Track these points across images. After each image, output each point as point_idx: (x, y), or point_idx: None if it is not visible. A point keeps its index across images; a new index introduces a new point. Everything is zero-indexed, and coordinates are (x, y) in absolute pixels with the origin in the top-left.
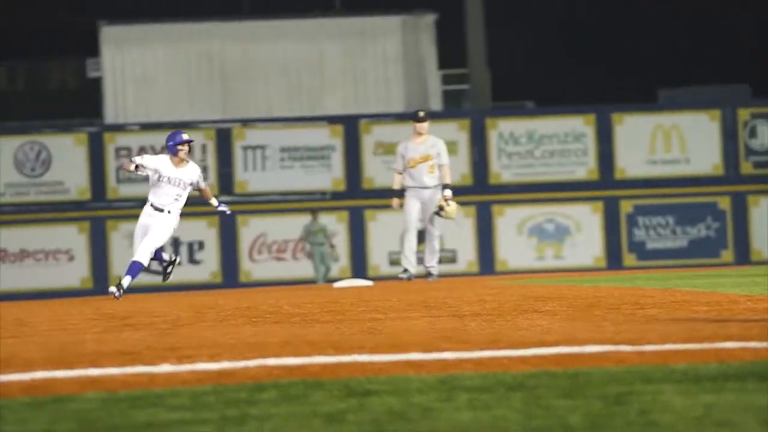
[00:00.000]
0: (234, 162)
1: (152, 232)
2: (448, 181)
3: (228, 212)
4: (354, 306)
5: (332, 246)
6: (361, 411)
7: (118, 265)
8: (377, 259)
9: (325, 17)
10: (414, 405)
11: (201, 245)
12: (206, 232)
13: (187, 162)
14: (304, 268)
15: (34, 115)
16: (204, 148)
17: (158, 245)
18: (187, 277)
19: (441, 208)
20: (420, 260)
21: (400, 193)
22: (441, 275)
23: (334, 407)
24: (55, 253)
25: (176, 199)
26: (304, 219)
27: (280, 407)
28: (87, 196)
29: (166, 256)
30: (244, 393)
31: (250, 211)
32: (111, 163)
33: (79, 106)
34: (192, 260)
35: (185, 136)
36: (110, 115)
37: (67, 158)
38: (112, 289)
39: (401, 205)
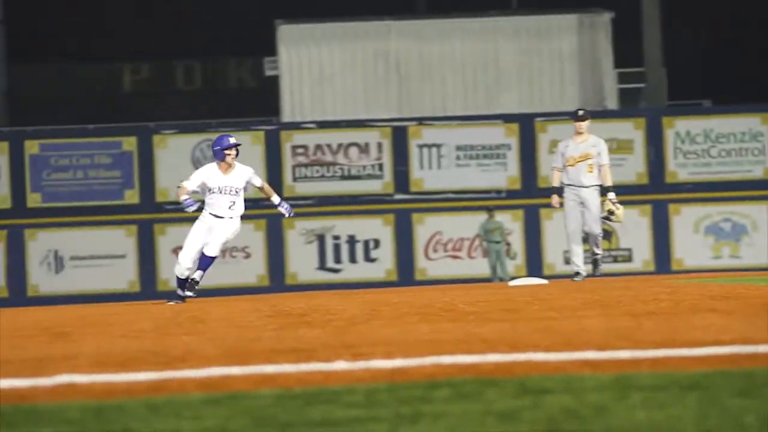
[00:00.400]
0: (410, 160)
1: (217, 232)
2: (609, 182)
3: (288, 215)
4: (529, 304)
5: (508, 244)
6: (535, 409)
7: (294, 264)
8: (552, 257)
9: (501, 16)
10: (588, 404)
11: (377, 243)
12: (382, 230)
13: (235, 166)
14: (479, 266)
15: (212, 113)
16: (380, 146)
17: (219, 244)
18: (363, 275)
19: (611, 212)
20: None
21: (560, 191)
22: (616, 274)
23: (508, 405)
24: (231, 250)
25: (231, 207)
26: (480, 217)
27: (454, 405)
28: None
29: (197, 276)
30: (418, 391)
31: (425, 209)
32: (287, 161)
33: (256, 104)
34: (368, 258)
35: (232, 140)
36: (287, 113)
37: (243, 156)
38: (189, 293)
39: (561, 204)
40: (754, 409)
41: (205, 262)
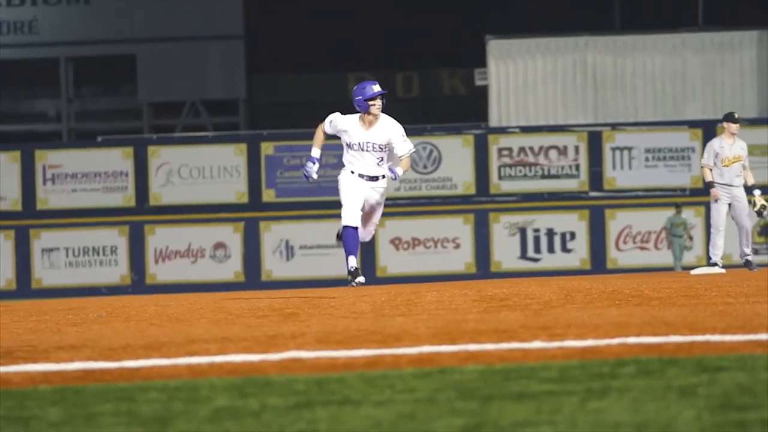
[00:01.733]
0: (603, 161)
1: (375, 212)
2: (753, 181)
3: (393, 177)
4: (708, 291)
5: (690, 238)
6: (711, 385)
7: (498, 253)
8: (729, 249)
9: (688, 32)
10: (760, 381)
11: (572, 235)
12: (577, 224)
13: (380, 118)
14: (664, 257)
15: (426, 119)
16: (577, 149)
17: (375, 227)
18: (560, 264)
19: (764, 206)
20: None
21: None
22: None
23: (687, 381)
24: (443, 240)
25: (379, 164)
26: (666, 213)
27: (639, 381)
28: (472, 191)
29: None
30: (607, 368)
31: (617, 205)
32: (494, 162)
33: (467, 111)
34: (564, 249)
35: (376, 88)
36: (494, 119)
37: (454, 157)
38: (360, 279)
39: (716, 200)
40: None
41: (357, 245)
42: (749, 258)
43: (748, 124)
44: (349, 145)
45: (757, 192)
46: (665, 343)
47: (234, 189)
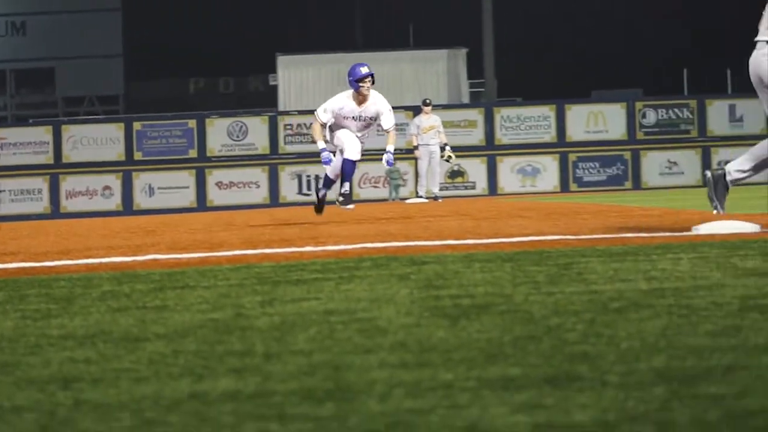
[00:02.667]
0: None
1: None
2: (446, 141)
3: (387, 165)
4: (417, 213)
5: (403, 180)
6: (419, 273)
7: (283, 192)
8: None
9: (403, 50)
10: (449, 270)
11: None
12: None
13: (370, 96)
14: (385, 192)
15: (240, 106)
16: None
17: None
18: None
19: (451, 158)
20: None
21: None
22: (467, 196)
23: (403, 271)
24: (248, 183)
25: (361, 132)
26: None
27: (372, 271)
28: (267, 151)
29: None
30: (353, 263)
31: (365, 160)
32: (281, 133)
33: (265, 101)
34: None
35: (365, 70)
36: (281, 106)
37: (257, 130)
38: (350, 206)
39: (420, 156)
40: (542, 272)
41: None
42: (437, 194)
43: (441, 108)
44: (344, 118)
45: (447, 148)
46: (389, 246)
47: (116, 151)
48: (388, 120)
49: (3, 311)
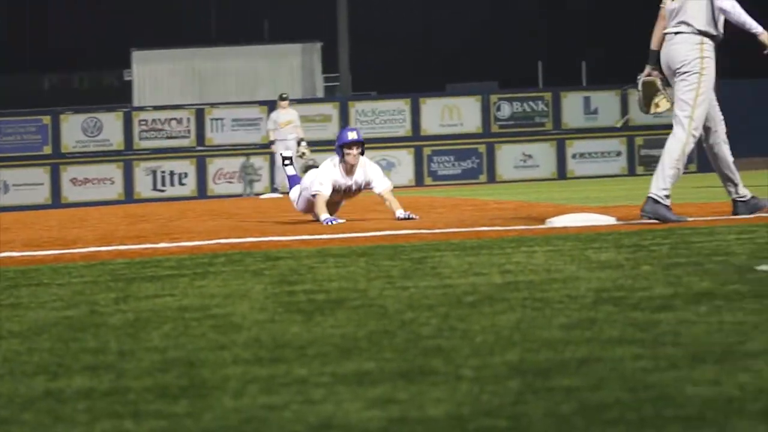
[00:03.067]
0: (205, 127)
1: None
2: (302, 135)
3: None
4: (270, 209)
5: (258, 175)
6: (273, 269)
7: (138, 188)
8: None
9: (258, 44)
10: (304, 265)
11: (186, 175)
12: (189, 167)
13: (358, 167)
14: (239, 188)
15: (95, 102)
16: (189, 120)
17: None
18: (179, 193)
19: (305, 154)
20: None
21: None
22: None
23: (258, 267)
24: (103, 179)
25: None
26: (241, 159)
27: (227, 267)
28: (122, 147)
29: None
30: (207, 259)
31: (215, 155)
32: (136, 128)
33: (121, 96)
34: (180, 183)
35: (352, 135)
36: (136, 102)
37: (112, 125)
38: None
39: (277, 151)
40: (397, 266)
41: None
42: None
43: (296, 103)
44: (335, 190)
45: (303, 143)
46: (244, 242)
47: None
48: (381, 184)
49: None
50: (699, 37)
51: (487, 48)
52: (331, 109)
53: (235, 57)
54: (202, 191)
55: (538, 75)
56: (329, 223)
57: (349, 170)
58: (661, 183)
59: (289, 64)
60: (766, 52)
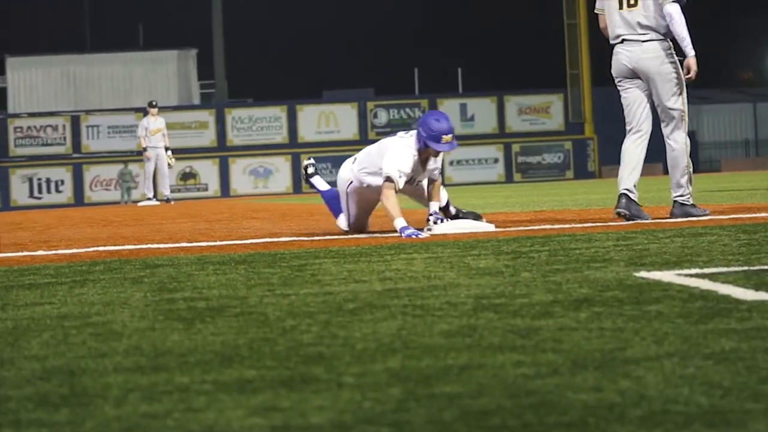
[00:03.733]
0: (81, 135)
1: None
2: (168, 143)
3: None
4: (149, 216)
5: (135, 183)
6: (152, 276)
7: (14, 195)
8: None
9: (134, 51)
10: (183, 272)
11: (62, 182)
12: (65, 174)
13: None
14: (118, 195)
15: None
16: (65, 127)
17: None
18: (56, 201)
19: (170, 164)
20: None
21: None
22: (199, 198)
23: (137, 274)
24: None
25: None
26: (119, 166)
27: (106, 275)
28: None
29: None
30: (85, 267)
31: (91, 162)
32: (12, 135)
33: None
34: (57, 190)
35: (446, 126)
36: (11, 108)
37: None
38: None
39: (148, 158)
40: (277, 273)
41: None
42: (168, 196)
43: (171, 110)
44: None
45: (168, 152)
46: (122, 249)
47: None
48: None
49: None
50: (667, 43)
51: (364, 55)
52: (207, 116)
53: (110, 63)
54: (79, 198)
55: (415, 82)
56: (415, 237)
57: (425, 161)
58: (683, 190)
59: (164, 70)
60: (688, 76)
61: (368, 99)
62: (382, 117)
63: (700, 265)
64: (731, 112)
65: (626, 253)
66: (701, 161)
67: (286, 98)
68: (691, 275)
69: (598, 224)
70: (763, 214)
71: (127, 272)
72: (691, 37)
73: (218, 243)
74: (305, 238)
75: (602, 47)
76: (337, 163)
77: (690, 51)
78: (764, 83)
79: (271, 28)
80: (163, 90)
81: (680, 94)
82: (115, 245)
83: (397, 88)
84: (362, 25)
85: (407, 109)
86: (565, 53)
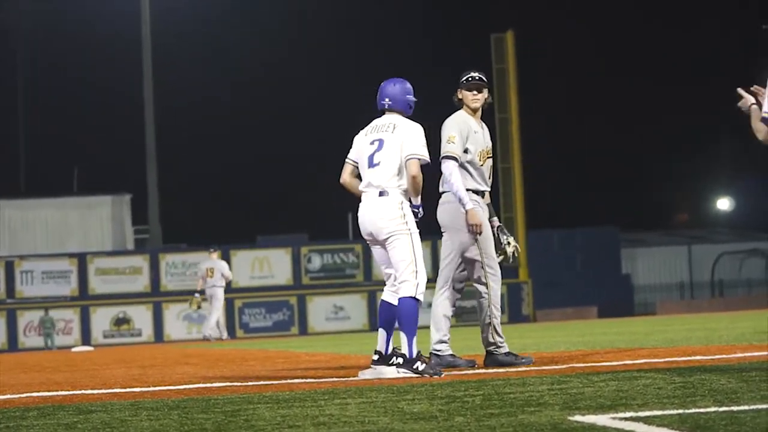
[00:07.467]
0: (15, 280)
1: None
2: None
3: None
4: (83, 362)
5: (56, 330)
6: (86, 422)
7: None
8: (96, 333)
9: (69, 196)
10: (116, 418)
11: None
12: None
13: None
14: (42, 341)
15: None
16: None
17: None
18: None
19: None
20: None
21: None
22: (134, 343)
23: (70, 420)
24: None
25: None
26: (41, 312)
27: (39, 420)
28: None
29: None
30: (18, 413)
31: (25, 308)
32: None
33: None
34: None
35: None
36: None
37: None
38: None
39: None
40: (211, 419)
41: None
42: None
43: (105, 255)
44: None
45: (196, 294)
46: (56, 395)
47: None
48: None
49: None
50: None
51: (298, 200)
52: (141, 261)
53: (44, 208)
54: (12, 344)
55: (349, 227)
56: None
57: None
58: (496, 337)
59: (98, 215)
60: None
61: (302, 244)
62: (316, 262)
63: (635, 409)
64: (666, 255)
65: (561, 397)
66: (636, 304)
67: (221, 243)
68: (626, 418)
69: (531, 368)
70: (697, 357)
71: (60, 418)
72: (588, 180)
73: (152, 388)
74: (238, 384)
75: (537, 190)
76: (272, 308)
77: (467, 204)
78: (700, 225)
79: (205, 175)
80: (97, 235)
81: (477, 246)
82: (48, 391)
83: (331, 233)
84: (300, 170)
85: (341, 254)
86: (500, 197)
